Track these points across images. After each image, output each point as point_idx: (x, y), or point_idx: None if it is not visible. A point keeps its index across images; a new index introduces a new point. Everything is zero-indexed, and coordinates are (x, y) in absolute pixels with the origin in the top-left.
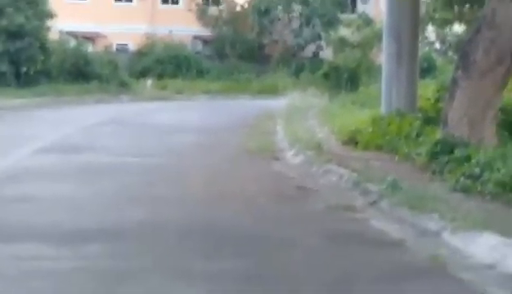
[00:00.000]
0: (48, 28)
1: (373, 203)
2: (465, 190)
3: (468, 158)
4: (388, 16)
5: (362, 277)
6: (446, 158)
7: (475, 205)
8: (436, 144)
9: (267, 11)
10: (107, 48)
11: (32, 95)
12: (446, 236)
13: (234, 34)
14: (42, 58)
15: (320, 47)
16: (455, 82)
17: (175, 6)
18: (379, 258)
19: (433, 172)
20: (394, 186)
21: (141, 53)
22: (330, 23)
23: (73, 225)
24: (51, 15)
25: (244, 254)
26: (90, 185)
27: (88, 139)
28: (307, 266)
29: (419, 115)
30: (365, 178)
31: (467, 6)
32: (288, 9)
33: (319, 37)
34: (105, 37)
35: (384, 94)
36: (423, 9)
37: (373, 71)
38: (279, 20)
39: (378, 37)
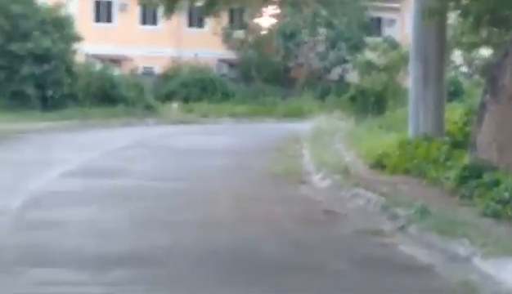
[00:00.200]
0: (74, 52)
1: (401, 228)
2: (495, 215)
3: (497, 183)
4: (415, 40)
5: None
6: (475, 183)
7: (506, 230)
8: (464, 168)
9: (292, 35)
10: (133, 71)
11: (58, 119)
12: (477, 261)
13: (259, 57)
14: (68, 81)
15: (345, 70)
16: (483, 106)
17: (200, 29)
18: (408, 283)
19: (462, 197)
20: (423, 211)
21: (166, 76)
22: (356, 46)
23: (97, 250)
24: (77, 39)
25: (268, 280)
26: (115, 209)
27: (114, 163)
28: (334, 292)
29: (447, 139)
30: (393, 202)
31: (495, 29)
32: (313, 32)
33: (344, 61)
34: (131, 60)
35: (411, 117)
36: (449, 32)
37: (399, 94)
38: (305, 43)
39: (404, 60)
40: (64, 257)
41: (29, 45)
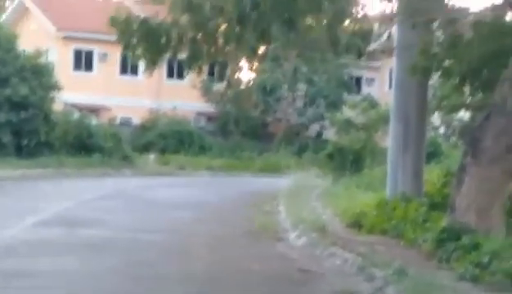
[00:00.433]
0: (53, 100)
1: (379, 289)
2: (473, 280)
3: (476, 247)
4: (396, 98)
5: None
6: (453, 246)
7: None
8: (443, 230)
9: (272, 90)
10: (111, 121)
11: (33, 167)
12: None
13: (238, 111)
14: (45, 129)
15: (323, 127)
16: (463, 168)
17: (180, 81)
18: None
19: (440, 260)
20: (400, 272)
21: (144, 127)
22: (334, 103)
23: None
24: (56, 87)
25: None
26: (90, 262)
27: (89, 213)
28: None
29: (425, 200)
30: (370, 263)
31: (477, 91)
32: (293, 88)
33: (322, 118)
34: (109, 109)
35: (390, 177)
36: (430, 92)
37: (377, 153)
38: (284, 98)
39: (383, 119)
40: None
41: (7, 91)
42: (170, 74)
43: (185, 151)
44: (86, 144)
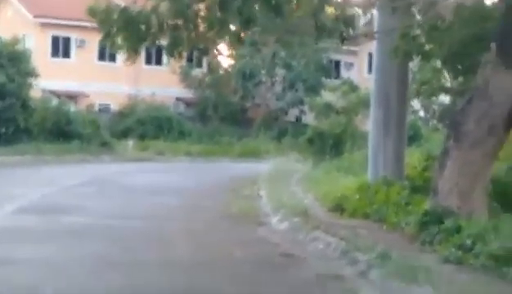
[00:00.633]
0: (30, 87)
1: (362, 273)
2: (457, 262)
3: (458, 229)
4: (376, 82)
5: None
6: (436, 229)
7: (468, 277)
8: (425, 214)
9: (251, 75)
10: (89, 108)
11: (11, 154)
12: None
13: (217, 97)
14: (23, 116)
15: (302, 112)
16: (445, 151)
17: (158, 67)
18: None
19: (423, 243)
20: (384, 256)
21: (122, 113)
22: (313, 88)
23: (52, 291)
24: (34, 74)
25: None
26: (69, 248)
27: (68, 200)
28: None
29: (407, 183)
30: (353, 246)
31: (459, 77)
32: (271, 73)
33: (301, 102)
34: (87, 96)
35: (371, 161)
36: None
37: (357, 137)
38: (263, 83)
39: (363, 103)
40: None
41: None
42: (148, 60)
43: (164, 137)
44: (64, 130)
